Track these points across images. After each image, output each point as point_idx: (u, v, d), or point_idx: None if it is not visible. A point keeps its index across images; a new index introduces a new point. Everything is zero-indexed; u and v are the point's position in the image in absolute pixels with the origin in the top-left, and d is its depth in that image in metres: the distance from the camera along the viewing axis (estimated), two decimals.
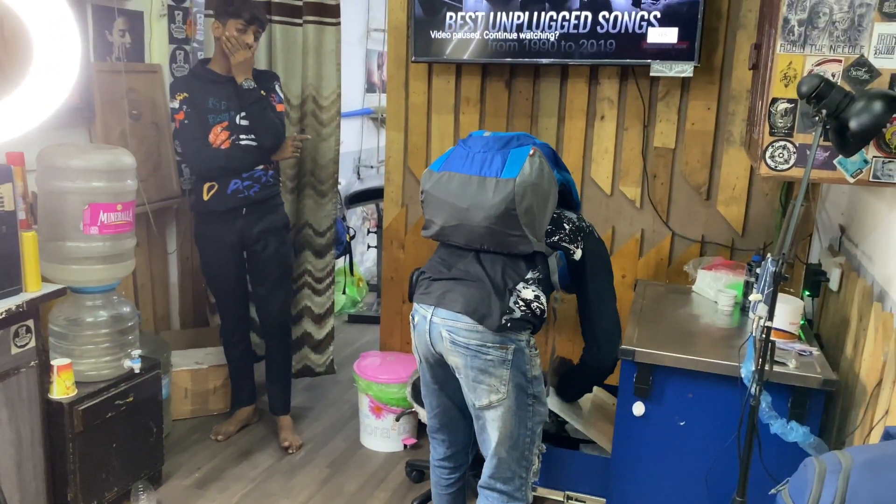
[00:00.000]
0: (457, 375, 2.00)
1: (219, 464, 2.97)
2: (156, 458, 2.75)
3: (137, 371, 2.57)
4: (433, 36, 2.92)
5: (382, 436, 3.11)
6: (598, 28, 2.71)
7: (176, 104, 2.83)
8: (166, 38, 3.34)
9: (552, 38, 2.77)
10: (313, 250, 3.58)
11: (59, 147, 2.45)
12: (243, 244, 2.98)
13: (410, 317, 2.08)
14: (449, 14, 2.87)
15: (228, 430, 3.19)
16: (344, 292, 4.81)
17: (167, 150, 3.32)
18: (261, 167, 2.91)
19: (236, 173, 2.88)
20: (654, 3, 2.64)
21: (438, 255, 2.11)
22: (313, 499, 2.76)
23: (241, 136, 2.85)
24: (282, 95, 2.96)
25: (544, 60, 2.79)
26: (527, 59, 2.82)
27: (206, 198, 2.90)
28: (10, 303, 2.13)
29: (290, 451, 3.08)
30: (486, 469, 2.03)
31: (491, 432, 1.97)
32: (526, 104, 2.97)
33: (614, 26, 2.70)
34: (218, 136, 2.84)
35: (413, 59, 2.98)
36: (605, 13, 2.70)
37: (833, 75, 1.79)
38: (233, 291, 3.08)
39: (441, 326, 1.96)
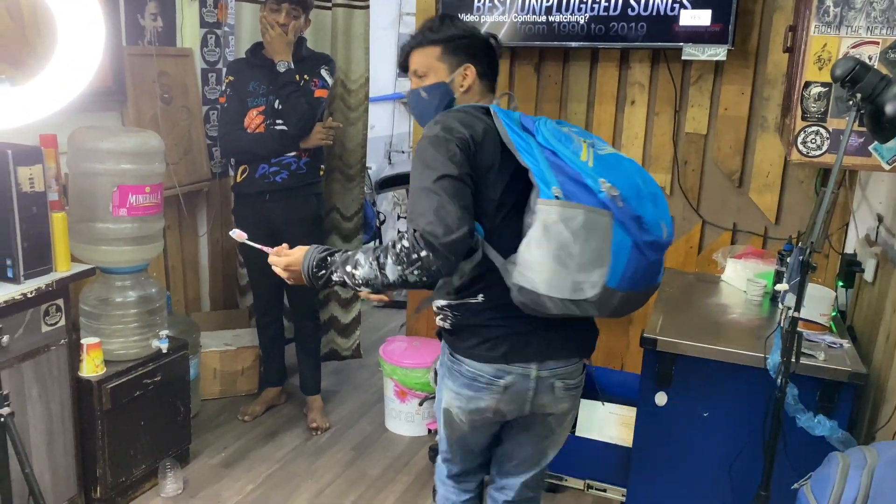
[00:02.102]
0: (548, 416, 1.72)
1: (245, 444, 3.02)
2: (183, 437, 2.79)
3: (165, 351, 2.61)
4: (462, 19, 2.88)
5: (407, 420, 3.12)
6: (629, 10, 2.66)
7: (223, 87, 2.91)
8: (198, 22, 3.36)
9: (582, 21, 2.72)
10: (340, 235, 3.59)
11: (90, 129, 2.49)
12: (271, 228, 3.00)
13: (481, 380, 1.62)
14: None
15: (255, 411, 3.23)
16: None
17: (198, 133, 3.36)
18: (292, 154, 2.91)
19: (265, 158, 2.90)
20: None
21: (491, 299, 1.59)
22: (337, 481, 2.78)
23: (277, 121, 2.86)
24: (328, 80, 2.94)
25: (574, 44, 2.74)
26: (556, 43, 2.77)
27: (238, 180, 2.97)
28: (41, 282, 2.18)
29: (317, 433, 3.11)
30: (529, 481, 1.82)
31: (554, 448, 1.80)
32: (555, 88, 2.93)
33: (646, 9, 2.64)
34: (253, 120, 2.86)
35: None
36: None
37: (869, 58, 1.73)
38: (265, 272, 3.11)
39: (551, 378, 1.63)
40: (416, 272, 1.43)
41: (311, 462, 2.91)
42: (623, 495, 2.26)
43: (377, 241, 4.39)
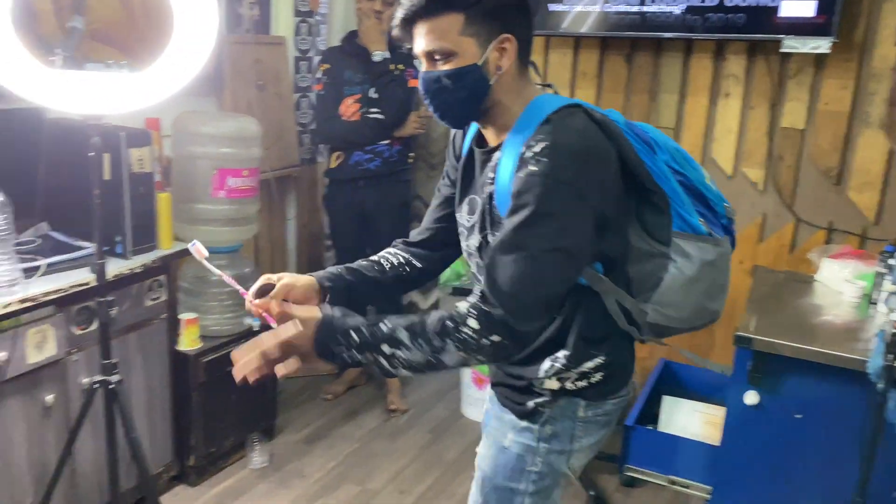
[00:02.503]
0: None
1: (327, 422, 3.11)
2: (270, 413, 2.90)
3: (256, 329, 2.70)
4: (551, 9, 2.87)
5: (483, 406, 3.15)
6: (727, 1, 2.59)
7: (319, 74, 2.99)
8: (291, 11, 3.45)
9: (677, 12, 2.67)
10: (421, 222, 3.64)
11: (193, 114, 2.60)
12: (362, 214, 3.08)
13: (612, 414, 1.42)
14: None
15: (337, 390, 3.32)
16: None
17: (289, 120, 3.45)
18: (385, 142, 2.98)
19: (360, 146, 2.98)
20: None
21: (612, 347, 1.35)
22: (414, 463, 2.84)
23: (371, 110, 2.93)
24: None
25: (667, 34, 2.70)
26: (649, 33, 2.73)
27: (332, 166, 3.06)
28: (146, 258, 2.30)
29: (396, 415, 3.17)
30: None
31: None
32: (646, 79, 2.89)
33: None
34: (349, 108, 2.93)
35: None
36: None
37: None
38: (351, 256, 3.20)
39: None
40: (481, 357, 1.17)
41: (390, 443, 2.98)
42: (708, 493, 2.23)
43: None
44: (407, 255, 1.51)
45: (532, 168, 1.13)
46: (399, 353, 1.15)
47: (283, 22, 3.42)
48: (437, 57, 1.20)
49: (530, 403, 1.32)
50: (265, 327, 1.26)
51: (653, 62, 2.87)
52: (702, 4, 2.62)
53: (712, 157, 2.84)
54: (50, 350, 2.03)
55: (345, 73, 2.95)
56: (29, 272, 1.98)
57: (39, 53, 1.73)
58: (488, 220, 1.27)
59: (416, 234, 1.54)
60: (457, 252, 1.51)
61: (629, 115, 2.91)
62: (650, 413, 2.59)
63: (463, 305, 1.17)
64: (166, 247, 2.38)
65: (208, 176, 2.50)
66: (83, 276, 2.07)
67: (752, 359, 1.94)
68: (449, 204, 1.48)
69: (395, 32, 1.25)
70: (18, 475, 2.05)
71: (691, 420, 2.51)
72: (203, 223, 2.54)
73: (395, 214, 3.06)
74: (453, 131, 1.46)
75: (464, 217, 1.38)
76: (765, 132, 2.75)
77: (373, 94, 2.91)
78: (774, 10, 2.52)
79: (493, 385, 1.45)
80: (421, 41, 1.21)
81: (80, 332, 2.15)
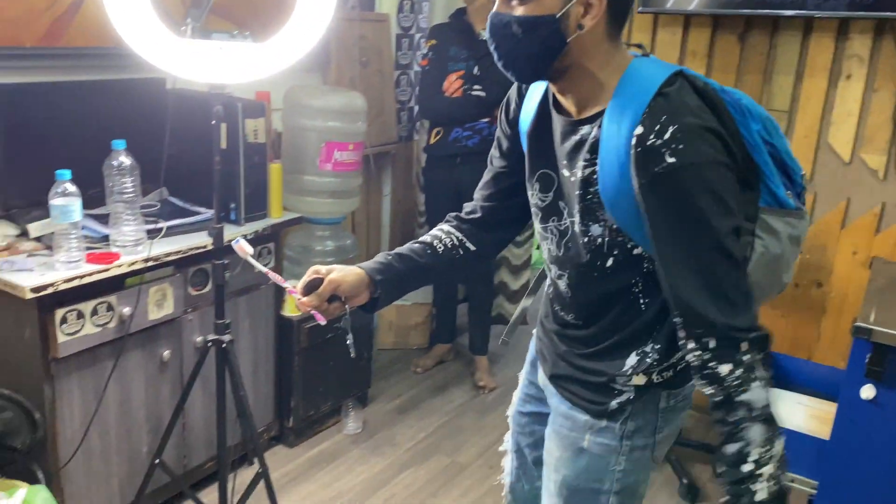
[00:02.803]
0: None
1: (417, 394, 3.16)
2: (364, 381, 2.98)
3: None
4: None
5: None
6: None
7: (425, 50, 3.02)
8: None
9: None
10: None
11: (303, 87, 2.67)
12: (458, 191, 3.09)
13: (680, 406, 1.33)
14: None
15: (426, 364, 3.38)
16: (538, 247, 4.84)
17: (389, 97, 3.50)
18: (486, 120, 2.99)
19: (460, 122, 3.00)
20: None
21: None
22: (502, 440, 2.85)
23: (474, 87, 2.94)
24: None
25: (787, 12, 2.58)
26: (767, 11, 2.62)
27: (431, 142, 3.08)
28: (258, 225, 2.39)
29: (484, 391, 3.20)
30: None
31: None
32: (760, 59, 2.78)
33: None
34: (452, 84, 2.95)
35: (639, 9, 2.88)
36: None
37: None
38: None
39: None
40: (761, 371, 1.05)
41: (479, 418, 3.01)
42: (813, 488, 2.16)
43: None
44: (460, 236, 1.41)
45: (671, 160, 1.00)
46: (751, 454, 1.03)
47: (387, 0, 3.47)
48: None
49: (613, 404, 1.24)
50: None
51: (768, 41, 2.75)
52: None
53: (828, 142, 2.71)
54: (168, 308, 2.15)
55: (450, 49, 2.97)
56: (151, 234, 2.09)
57: (170, 25, 1.81)
58: (580, 205, 1.16)
59: (468, 212, 1.44)
60: (511, 234, 1.43)
61: None
62: None
63: (700, 374, 1.07)
64: (276, 215, 2.47)
65: (316, 148, 2.57)
66: (200, 240, 2.17)
67: (871, 351, 1.85)
68: (500, 180, 1.39)
69: None
70: (136, 424, 2.18)
71: (795, 413, 2.43)
72: (310, 194, 2.61)
73: None
74: (510, 93, 1.32)
75: (536, 196, 1.26)
76: (889, 117, 2.60)
77: (476, 71, 2.92)
78: None
79: (555, 378, 1.33)
80: None
81: (196, 292, 2.25)
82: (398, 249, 1.38)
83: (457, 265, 1.42)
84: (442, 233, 1.41)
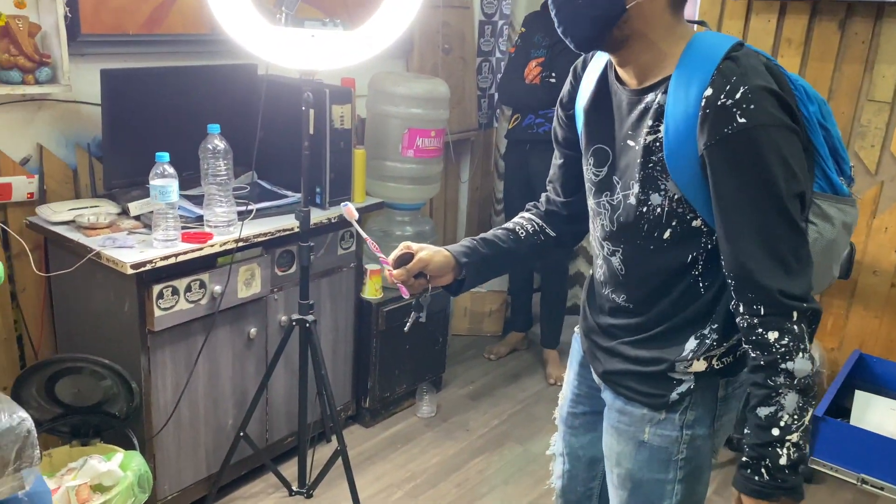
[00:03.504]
0: None
1: (490, 381, 3.18)
2: (438, 366, 3.01)
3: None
4: None
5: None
6: None
7: (515, 37, 3.05)
8: None
9: None
10: None
11: (387, 74, 2.71)
12: (527, 177, 3.09)
13: (738, 394, 1.31)
14: None
15: (500, 352, 3.39)
16: None
17: (471, 84, 3.50)
18: None
19: (534, 109, 2.99)
20: None
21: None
22: None
23: (553, 74, 2.92)
24: None
25: None
26: None
27: (509, 126, 3.10)
28: (341, 210, 2.43)
29: (556, 385, 3.19)
30: None
31: None
32: (861, 48, 2.65)
33: None
34: (531, 71, 2.95)
35: None
36: None
37: None
38: None
39: None
40: (806, 342, 1.07)
41: (552, 408, 2.94)
42: None
43: None
44: (541, 223, 1.44)
45: (742, 120, 1.01)
46: (784, 420, 1.06)
47: None
48: None
49: (673, 395, 1.22)
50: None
51: (871, 30, 2.62)
52: None
53: None
54: (256, 287, 2.22)
55: (535, 36, 2.97)
56: (242, 215, 2.17)
57: (262, 13, 1.87)
58: (640, 174, 1.15)
59: (545, 201, 1.46)
60: (588, 225, 1.39)
61: (838, 86, 2.70)
62: (841, 407, 2.42)
63: (747, 338, 1.08)
64: (360, 200, 2.51)
65: (399, 135, 2.60)
66: (287, 222, 2.23)
67: None
68: (566, 170, 1.39)
69: None
70: (223, 397, 2.27)
71: (888, 418, 2.32)
72: (391, 180, 2.65)
73: None
74: (569, 80, 1.33)
75: (590, 171, 1.27)
76: None
77: (557, 57, 2.90)
78: None
79: (607, 374, 1.32)
80: None
81: (281, 273, 2.33)
82: (483, 235, 1.42)
83: (539, 250, 1.45)
84: (524, 220, 1.45)
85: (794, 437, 1.06)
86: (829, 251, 1.20)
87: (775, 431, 1.06)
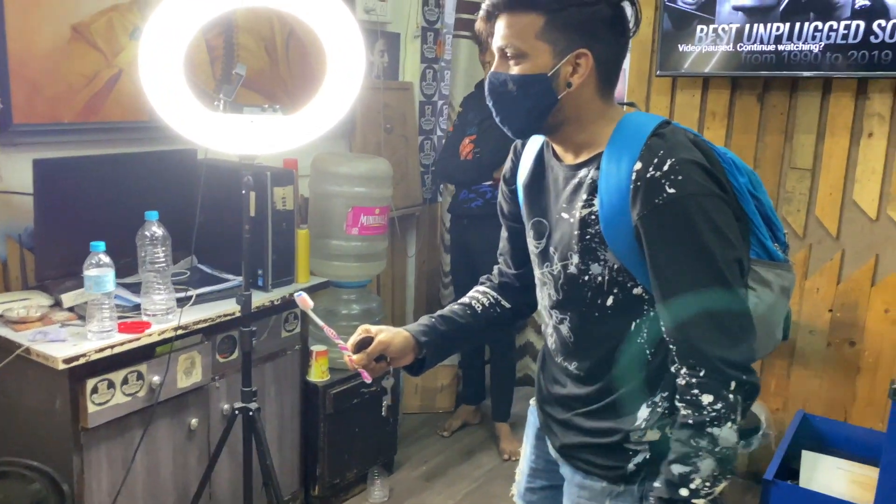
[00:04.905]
0: None
1: (444, 460, 3.11)
2: (390, 447, 2.94)
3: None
4: (681, 49, 2.84)
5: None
6: (872, 38, 2.48)
7: (454, 116, 3.16)
8: (418, 58, 3.58)
9: (815, 50, 2.58)
10: None
11: (330, 155, 2.73)
12: (467, 251, 3.13)
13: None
14: (700, 27, 2.78)
15: (453, 425, 3.34)
16: None
17: (414, 161, 3.56)
18: (489, 183, 3.03)
19: (466, 185, 3.06)
20: None
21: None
22: None
23: (478, 150, 3.01)
24: None
25: (806, 73, 2.61)
26: (785, 72, 2.65)
27: (450, 200, 3.16)
28: (285, 291, 2.41)
29: (511, 459, 3.14)
30: None
31: None
32: (780, 119, 2.80)
33: (892, 35, 2.45)
34: (465, 147, 3.03)
35: (657, 73, 2.93)
36: (882, 21, 2.46)
37: None
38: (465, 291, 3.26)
39: None
40: (738, 415, 1.08)
41: (508, 485, 2.91)
42: None
43: None
44: (496, 295, 1.46)
45: (672, 191, 1.05)
46: (695, 483, 1.07)
47: (410, 68, 3.56)
48: (508, 54, 1.15)
49: (630, 466, 1.22)
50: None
51: (787, 102, 2.78)
52: (843, 42, 2.53)
53: (853, 200, 2.70)
54: (196, 376, 2.15)
55: (469, 114, 3.05)
56: (181, 301, 2.12)
57: (201, 99, 1.88)
58: (579, 245, 1.18)
59: (496, 274, 1.49)
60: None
61: (762, 156, 2.83)
62: (790, 468, 2.44)
63: (682, 395, 1.09)
64: (303, 280, 2.49)
65: (343, 213, 2.61)
66: (228, 307, 2.19)
67: None
68: (512, 242, 1.43)
69: (478, 25, 1.21)
70: (164, 493, 2.16)
71: (836, 478, 2.35)
72: (336, 258, 2.64)
73: (495, 256, 3.09)
74: (510, 157, 1.39)
75: (532, 243, 1.30)
76: None
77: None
78: None
79: (565, 449, 1.31)
80: (498, 35, 1.16)
81: (223, 360, 2.26)
82: (440, 312, 1.43)
83: (496, 323, 1.46)
84: (478, 293, 1.47)
85: (701, 503, 1.07)
86: (769, 315, 1.22)
87: (684, 492, 1.07)
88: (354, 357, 1.30)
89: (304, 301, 1.41)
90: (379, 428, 2.84)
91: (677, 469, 1.08)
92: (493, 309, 1.44)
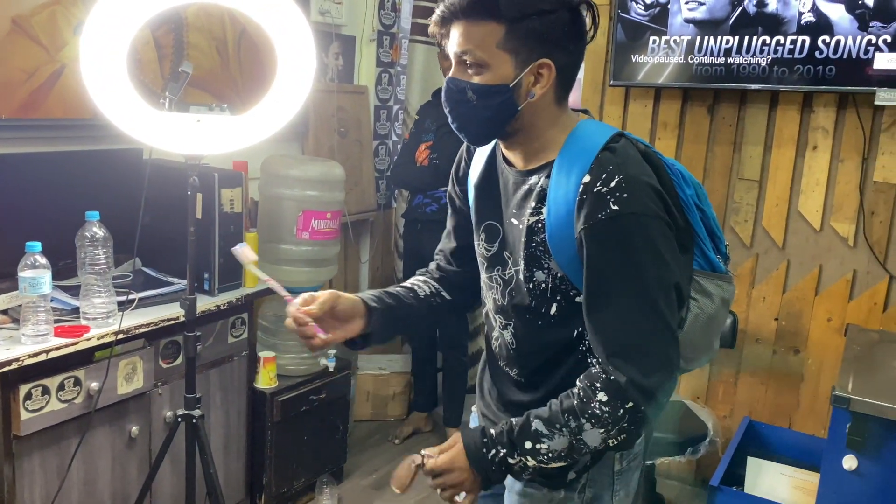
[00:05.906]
0: None
1: (394, 468, 3.06)
2: (339, 456, 2.89)
3: (332, 370, 2.73)
4: (634, 60, 2.88)
5: None
6: (817, 53, 2.55)
7: (410, 122, 3.14)
8: (374, 62, 3.56)
9: (763, 63, 2.64)
10: None
11: (281, 157, 2.68)
12: (422, 256, 3.11)
13: (633, 465, 1.34)
14: (652, 38, 2.82)
15: (404, 432, 3.31)
16: None
17: (368, 166, 3.53)
18: (444, 189, 3.02)
19: (422, 190, 3.07)
20: (883, 27, 2.44)
21: None
22: None
23: (436, 156, 3.00)
24: None
25: (754, 86, 2.66)
26: (734, 85, 2.70)
27: (405, 206, 3.15)
28: (231, 296, 2.35)
29: None
30: None
31: None
32: (729, 131, 2.85)
33: (835, 51, 2.52)
34: (421, 153, 3.02)
35: (611, 83, 2.96)
36: (826, 37, 2.53)
37: None
38: None
39: None
40: (619, 431, 1.08)
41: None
42: None
43: None
44: (437, 285, 1.43)
45: (615, 207, 1.04)
46: (541, 445, 1.10)
47: (365, 72, 3.53)
48: (467, 62, 1.11)
49: (570, 474, 1.22)
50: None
51: (736, 114, 2.83)
52: (790, 57, 2.59)
53: (799, 211, 2.76)
54: (138, 382, 2.08)
55: (426, 121, 3.05)
56: (123, 305, 2.05)
57: (147, 97, 1.82)
58: (524, 252, 1.18)
59: (436, 269, 1.46)
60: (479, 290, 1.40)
61: (711, 166, 2.88)
62: (735, 474, 2.48)
63: (588, 377, 1.11)
64: (250, 285, 2.43)
65: (293, 217, 2.56)
66: (172, 311, 2.13)
67: (850, 421, 1.84)
68: (456, 238, 1.42)
69: (432, 28, 1.16)
70: (101, 503, 2.09)
71: (779, 483, 2.39)
72: (286, 263, 2.59)
73: None
74: (460, 152, 1.38)
75: (482, 246, 1.28)
76: (855, 186, 2.66)
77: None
78: (868, 62, 2.47)
79: None
80: (455, 42, 1.12)
81: (166, 365, 2.20)
82: (386, 289, 1.38)
83: (436, 312, 1.43)
84: (419, 281, 1.44)
85: (530, 462, 1.12)
86: (709, 326, 1.24)
87: (528, 444, 1.11)
88: (308, 309, 1.19)
89: (245, 254, 1.35)
90: (328, 436, 2.79)
91: (537, 425, 1.11)
92: (434, 298, 1.41)
